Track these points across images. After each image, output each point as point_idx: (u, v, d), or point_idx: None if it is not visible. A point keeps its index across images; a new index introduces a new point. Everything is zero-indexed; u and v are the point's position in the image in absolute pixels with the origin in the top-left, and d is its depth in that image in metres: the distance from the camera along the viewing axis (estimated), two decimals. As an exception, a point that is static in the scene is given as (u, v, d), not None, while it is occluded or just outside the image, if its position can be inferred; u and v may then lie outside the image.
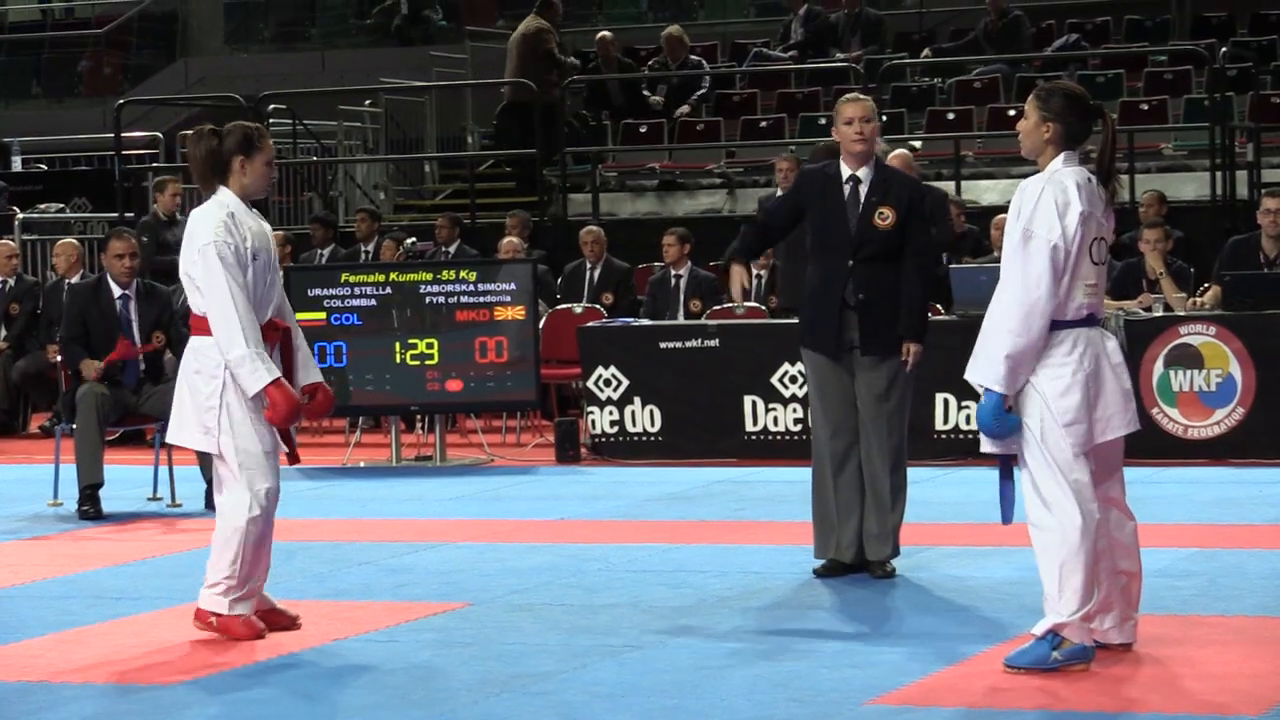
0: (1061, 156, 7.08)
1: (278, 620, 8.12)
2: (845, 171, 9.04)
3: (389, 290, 13.92)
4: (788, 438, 13.57)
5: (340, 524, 11.38)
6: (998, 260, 14.34)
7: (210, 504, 11.87)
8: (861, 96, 9.17)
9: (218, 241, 7.83)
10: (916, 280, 9.07)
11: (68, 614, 8.65)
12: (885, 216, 8.99)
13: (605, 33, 21.83)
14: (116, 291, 12.10)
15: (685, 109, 20.84)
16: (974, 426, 13.15)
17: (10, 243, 17.93)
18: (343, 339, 13.83)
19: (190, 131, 8.11)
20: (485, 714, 6.71)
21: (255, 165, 7.96)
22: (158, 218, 17.11)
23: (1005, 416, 7.07)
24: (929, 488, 12.14)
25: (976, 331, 14.19)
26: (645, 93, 21.19)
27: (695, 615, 8.24)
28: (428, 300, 13.90)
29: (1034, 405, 7.05)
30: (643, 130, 20.82)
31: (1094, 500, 7.02)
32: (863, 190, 9.02)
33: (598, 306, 16.17)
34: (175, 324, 12.24)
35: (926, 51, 21.47)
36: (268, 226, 8.06)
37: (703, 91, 21.18)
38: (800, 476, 12.88)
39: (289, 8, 31.39)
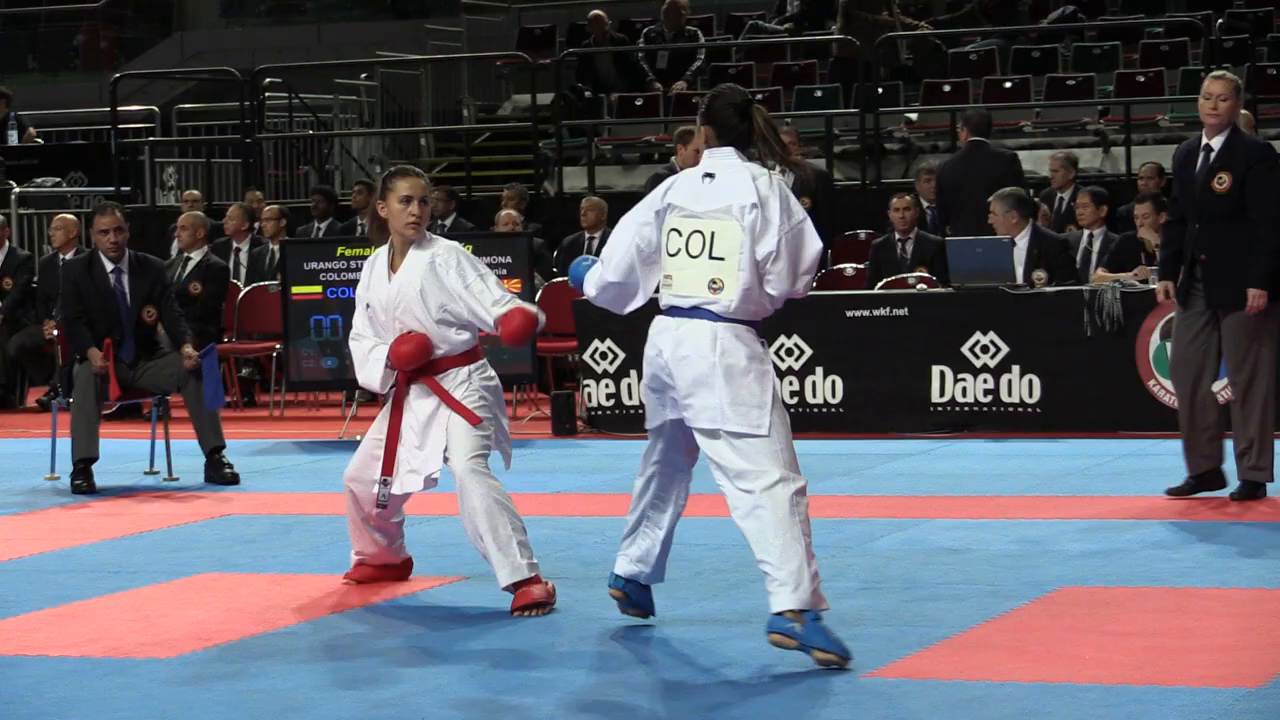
0: (707, 152, 7.11)
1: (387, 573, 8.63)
2: (1203, 140, 10.02)
3: (385, 264, 13.87)
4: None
5: (337, 497, 11.28)
6: (996, 235, 14.30)
7: (209, 478, 11.90)
8: (1228, 75, 10.02)
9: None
10: (1261, 235, 9.87)
11: (64, 588, 8.64)
12: (1223, 181, 9.93)
13: (598, 11, 21.74)
14: (109, 266, 12.04)
15: (681, 85, 20.76)
16: (970, 399, 13.18)
17: None
18: (339, 313, 13.78)
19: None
20: (482, 686, 6.71)
21: (390, 206, 8.15)
22: (673, 169, 15.89)
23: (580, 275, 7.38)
24: (924, 460, 12.13)
25: (972, 302, 14.18)
26: (644, 66, 21.09)
27: (691, 588, 8.23)
28: (424, 273, 13.85)
29: None
30: (638, 103, 20.76)
31: (649, 465, 7.30)
32: (1211, 158, 9.92)
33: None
34: (168, 298, 12.19)
35: (923, 24, 21.40)
36: (413, 283, 8.10)
37: (698, 64, 21.11)
38: (797, 450, 12.85)
39: (285, -19, 31.35)
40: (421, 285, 8.12)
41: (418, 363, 8.13)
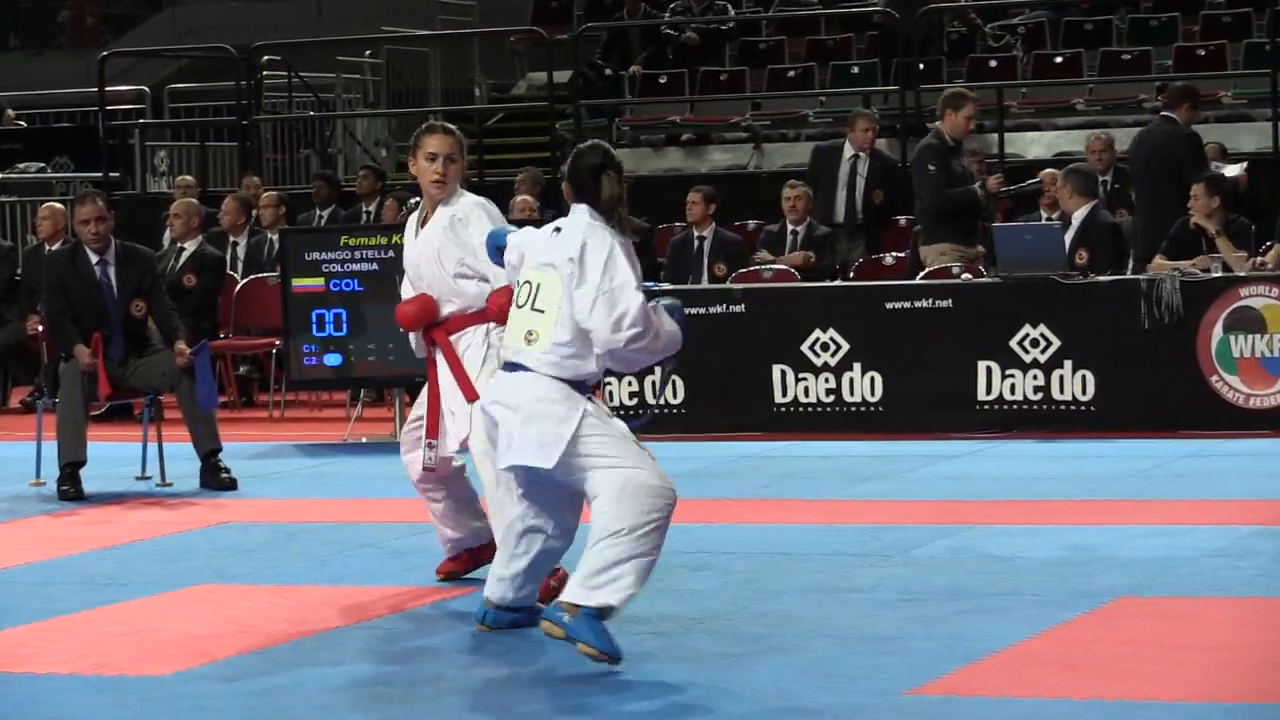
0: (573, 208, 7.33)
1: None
2: None
3: (392, 253, 13.83)
4: (819, 409, 13.52)
5: (341, 504, 11.38)
6: (1044, 220, 14.29)
7: (204, 483, 11.92)
8: None
9: None
10: None
11: (51, 601, 8.66)
12: None
13: None
14: (93, 257, 12.03)
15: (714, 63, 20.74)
16: (1019, 397, 13.16)
17: None
18: (342, 306, 13.79)
19: None
20: (496, 705, 6.71)
21: (419, 163, 8.57)
22: (942, 139, 14.99)
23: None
24: (971, 462, 12.12)
25: (1021, 293, 14.15)
26: (673, 32, 21.04)
27: (719, 598, 8.22)
28: (433, 264, 13.86)
29: None
30: (663, 81, 20.75)
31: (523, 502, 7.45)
32: None
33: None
34: (158, 290, 12.19)
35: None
36: (432, 241, 8.45)
37: (726, 33, 21.05)
38: (833, 451, 12.88)
39: (284, -49, 31.39)
40: (440, 243, 8.46)
41: (421, 322, 8.48)
